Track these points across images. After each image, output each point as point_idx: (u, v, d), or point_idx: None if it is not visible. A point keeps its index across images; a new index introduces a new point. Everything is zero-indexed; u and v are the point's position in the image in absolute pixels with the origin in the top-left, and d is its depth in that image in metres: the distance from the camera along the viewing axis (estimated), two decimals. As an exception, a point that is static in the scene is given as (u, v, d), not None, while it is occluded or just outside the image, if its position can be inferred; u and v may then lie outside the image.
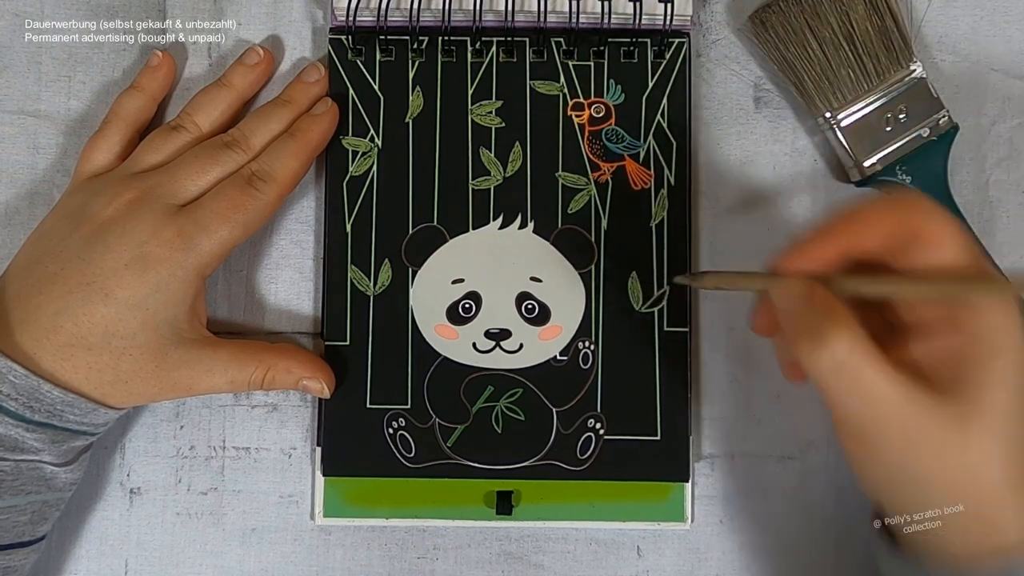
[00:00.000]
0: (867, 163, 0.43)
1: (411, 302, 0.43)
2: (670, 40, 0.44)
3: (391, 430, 0.43)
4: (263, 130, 0.42)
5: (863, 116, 0.43)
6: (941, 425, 0.32)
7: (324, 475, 0.43)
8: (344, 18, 0.43)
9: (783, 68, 0.44)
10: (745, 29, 0.45)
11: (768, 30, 0.43)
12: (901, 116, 0.43)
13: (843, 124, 0.43)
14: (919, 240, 0.33)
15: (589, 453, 0.43)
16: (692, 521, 0.43)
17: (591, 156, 0.44)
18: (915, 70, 0.43)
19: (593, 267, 0.43)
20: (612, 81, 0.44)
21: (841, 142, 0.43)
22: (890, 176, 0.43)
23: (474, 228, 0.44)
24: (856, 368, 0.31)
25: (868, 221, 0.33)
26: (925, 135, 0.43)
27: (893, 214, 0.33)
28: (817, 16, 0.43)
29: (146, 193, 0.40)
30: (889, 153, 0.43)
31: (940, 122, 0.43)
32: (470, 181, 0.44)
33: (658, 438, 0.43)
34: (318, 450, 0.43)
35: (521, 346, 0.43)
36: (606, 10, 0.43)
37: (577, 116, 0.44)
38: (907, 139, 0.43)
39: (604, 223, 0.44)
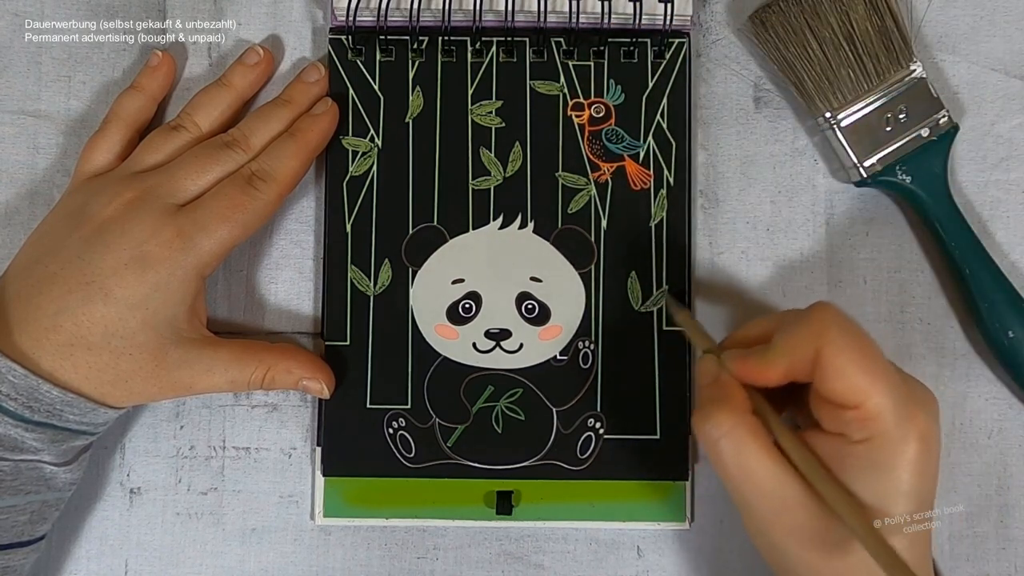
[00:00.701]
0: (867, 163, 0.43)
1: (411, 302, 0.43)
2: (670, 40, 0.44)
3: (391, 430, 0.43)
4: (263, 130, 0.42)
5: (863, 116, 0.43)
6: (815, 532, 0.34)
7: (324, 475, 0.43)
8: (344, 18, 0.43)
9: (783, 68, 0.44)
10: (745, 29, 0.45)
11: (768, 30, 0.43)
12: (901, 116, 0.43)
13: (843, 124, 0.43)
14: (819, 371, 0.34)
15: (589, 453, 0.43)
16: (692, 521, 0.43)
17: (591, 156, 0.44)
18: (915, 70, 0.43)
19: (593, 267, 0.43)
20: (612, 81, 0.44)
21: (841, 142, 0.43)
22: (890, 176, 0.43)
23: (474, 228, 0.44)
24: (729, 451, 0.35)
25: (770, 366, 0.35)
26: (925, 135, 0.43)
27: (788, 356, 0.35)
28: (817, 16, 0.43)
29: (146, 193, 0.40)
30: (889, 153, 0.43)
31: (940, 122, 0.43)
32: (470, 181, 0.44)
33: (658, 438, 0.43)
34: (318, 450, 0.43)
35: (521, 346, 0.43)
36: (606, 10, 0.43)
37: (577, 116, 0.44)
38: (907, 139, 0.43)
39: (604, 223, 0.44)
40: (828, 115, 0.43)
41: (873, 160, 0.43)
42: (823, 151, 0.45)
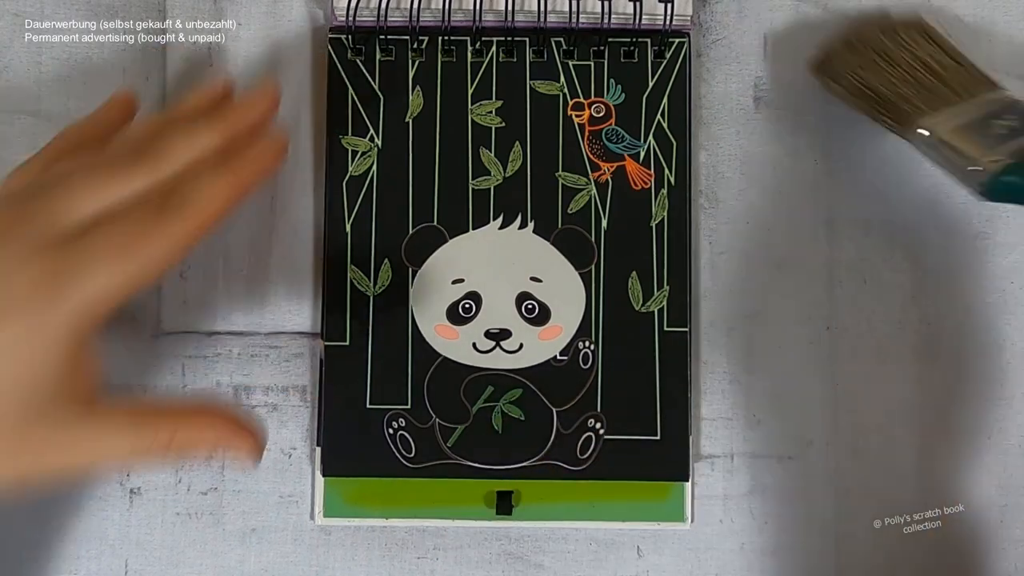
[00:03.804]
0: (990, 159, 0.37)
1: (411, 302, 0.43)
2: (670, 40, 0.44)
3: (391, 430, 0.43)
4: (185, 149, 0.33)
5: (968, 121, 0.39)
6: None
7: (324, 475, 0.43)
8: (344, 18, 0.43)
9: (867, 104, 0.41)
10: (810, 83, 0.44)
11: (837, 77, 0.42)
12: (1008, 118, 0.39)
13: (947, 129, 0.39)
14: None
15: (589, 453, 0.43)
16: (692, 521, 0.43)
17: (591, 156, 0.44)
18: (1007, 92, 0.40)
19: (593, 267, 0.43)
20: (612, 81, 0.44)
21: (954, 147, 0.38)
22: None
23: (474, 228, 0.44)
24: None
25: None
26: None
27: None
28: (885, 50, 0.41)
29: (19, 214, 0.31)
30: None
31: None
32: (470, 181, 0.44)
33: (658, 438, 0.43)
34: (318, 450, 0.43)
35: (521, 346, 0.43)
36: (606, 10, 0.43)
37: (577, 116, 0.44)
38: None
39: (604, 223, 0.44)
40: (925, 131, 0.39)
41: (996, 156, 0.37)
42: (823, 151, 0.45)
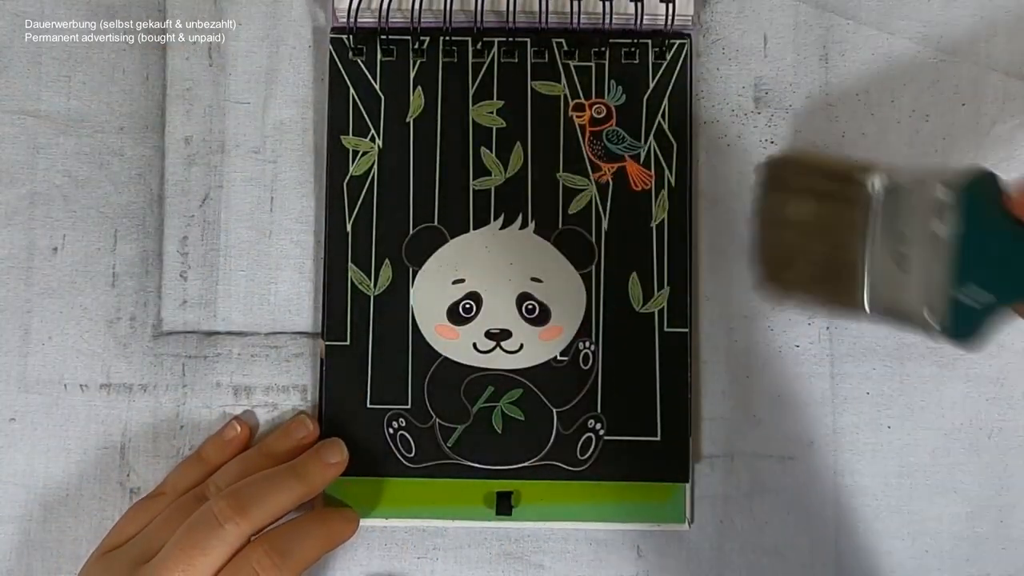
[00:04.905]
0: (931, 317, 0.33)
1: (411, 302, 0.43)
2: (671, 41, 0.44)
3: (391, 430, 0.43)
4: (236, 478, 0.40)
5: (888, 277, 0.35)
6: None
7: (324, 475, 0.43)
8: (345, 18, 0.43)
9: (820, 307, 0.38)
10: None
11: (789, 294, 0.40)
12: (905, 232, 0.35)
13: (882, 302, 0.35)
14: None
15: (589, 453, 0.43)
16: (692, 521, 0.43)
17: (592, 157, 0.44)
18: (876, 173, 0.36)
19: (593, 267, 0.44)
20: (613, 82, 0.44)
21: (898, 313, 0.34)
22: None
23: (475, 228, 0.44)
24: None
25: None
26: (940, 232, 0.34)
27: None
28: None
29: (119, 562, 0.38)
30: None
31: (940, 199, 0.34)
32: (471, 181, 0.44)
33: (658, 438, 0.43)
34: (318, 450, 0.43)
35: (521, 346, 0.43)
36: (607, 11, 0.43)
37: (578, 117, 0.44)
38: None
39: (605, 224, 0.44)
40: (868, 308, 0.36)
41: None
42: (821, 150, 0.45)
